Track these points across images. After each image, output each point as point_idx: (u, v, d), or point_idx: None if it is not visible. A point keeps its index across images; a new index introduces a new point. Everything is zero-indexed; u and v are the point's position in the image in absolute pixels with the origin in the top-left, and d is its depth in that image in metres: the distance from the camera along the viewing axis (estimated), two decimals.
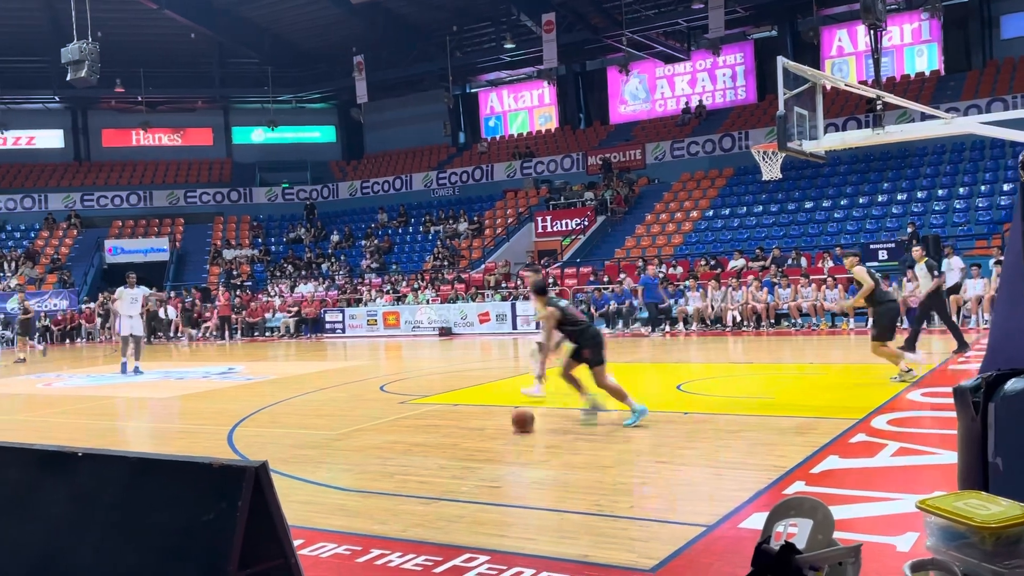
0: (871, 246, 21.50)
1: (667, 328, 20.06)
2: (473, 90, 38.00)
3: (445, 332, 22.78)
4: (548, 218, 28.64)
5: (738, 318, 19.90)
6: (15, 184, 35.45)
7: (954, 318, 17.64)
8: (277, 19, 33.71)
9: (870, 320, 11.72)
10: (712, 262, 22.83)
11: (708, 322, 20.23)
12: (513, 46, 32.17)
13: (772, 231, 25.22)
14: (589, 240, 27.69)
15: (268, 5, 32.45)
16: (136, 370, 15.43)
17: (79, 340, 26.81)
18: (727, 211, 26.99)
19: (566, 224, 28.29)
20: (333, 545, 5.18)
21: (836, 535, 4.74)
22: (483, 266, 27.58)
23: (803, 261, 21.53)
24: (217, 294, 27.01)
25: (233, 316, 26.05)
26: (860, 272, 10.62)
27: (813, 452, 6.87)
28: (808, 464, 6.51)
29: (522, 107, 37.58)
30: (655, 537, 5.04)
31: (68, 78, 24.54)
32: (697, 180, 29.07)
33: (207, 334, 25.93)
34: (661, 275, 21.31)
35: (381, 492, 6.44)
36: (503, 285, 25.06)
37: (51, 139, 37.28)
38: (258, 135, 38.18)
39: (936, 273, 13.13)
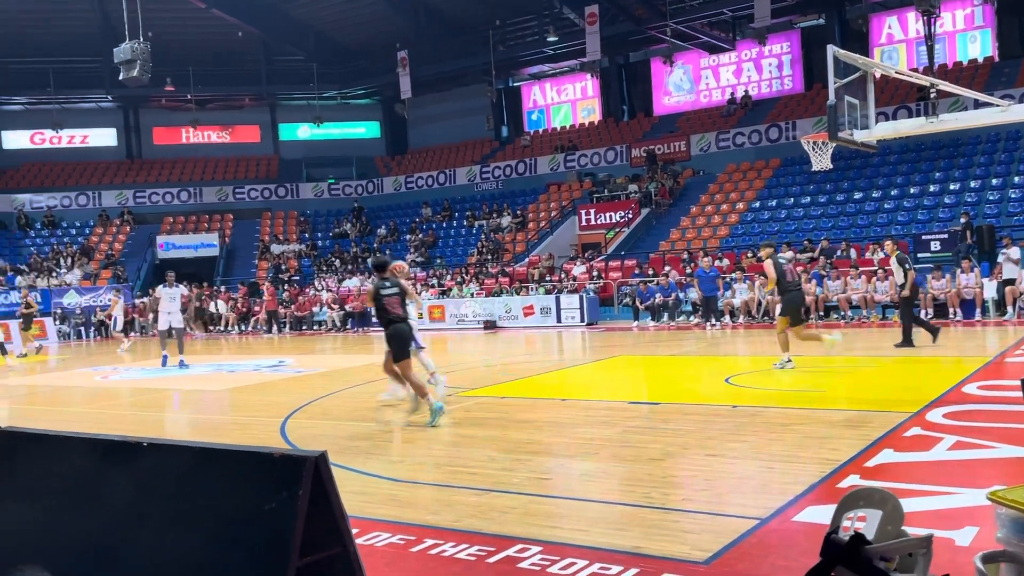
0: (923, 237, 21.06)
1: (715, 321, 19.91)
2: (516, 84, 37.99)
3: (490, 325, 22.85)
4: (592, 211, 28.54)
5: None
6: (70, 182, 36.33)
7: (1011, 310, 17.28)
8: (321, 16, 34.04)
9: (778, 307, 12.42)
10: (759, 254, 22.56)
11: (756, 315, 20.01)
12: (556, 39, 32.08)
13: (821, 222, 24.84)
14: (633, 233, 27.54)
15: (312, 2, 32.79)
16: (181, 363, 15.85)
17: (133, 334, 27.31)
18: (774, 202, 26.65)
19: (610, 217, 28.17)
20: (387, 535, 5.24)
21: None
22: (527, 259, 27.59)
23: (852, 252, 21.17)
24: (264, 289, 27.41)
25: (281, 310, 26.44)
26: (768, 265, 11.58)
27: (867, 446, 6.77)
28: (862, 458, 6.42)
29: (565, 100, 37.47)
30: (707, 529, 5.02)
31: (120, 77, 25.07)
32: (743, 171, 28.73)
33: (256, 327, 26.37)
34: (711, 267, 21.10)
35: (432, 483, 6.50)
36: (547, 278, 25.05)
37: (104, 137, 38.10)
38: (304, 131, 38.61)
39: (907, 267, 13.53)
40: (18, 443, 4.81)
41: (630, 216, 27.88)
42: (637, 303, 21.64)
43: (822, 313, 19.43)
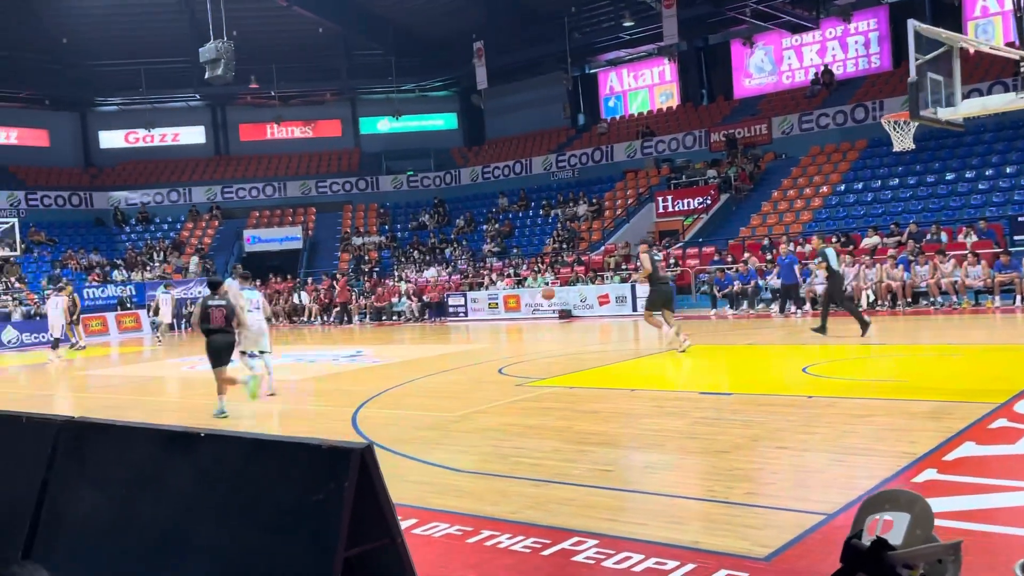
0: (1019, 219, 20.02)
1: (795, 309, 19.37)
2: (592, 71, 37.63)
3: (565, 315, 22.77)
4: (669, 198, 28.09)
5: (871, 297, 18.97)
6: (162, 179, 37.70)
7: None
8: (400, 9, 34.38)
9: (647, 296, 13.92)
10: (843, 239, 21.84)
11: (839, 302, 19.34)
12: (632, 24, 31.62)
13: (909, 205, 23.87)
14: (712, 219, 26.99)
15: None
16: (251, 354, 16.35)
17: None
18: (860, 185, 25.72)
19: (688, 203, 27.68)
20: (445, 525, 5.26)
21: (969, 526, 4.45)
22: (603, 248, 27.37)
23: (943, 236, 20.28)
24: (334, 281, 27.95)
25: (355, 302, 26.91)
26: (644, 258, 13.32)
27: (948, 438, 6.47)
28: (941, 451, 6.13)
29: (642, 86, 36.94)
30: (770, 524, 4.88)
31: (206, 77, 25.84)
32: (827, 153, 27.82)
33: (333, 319, 26.93)
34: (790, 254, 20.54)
35: (494, 474, 6.50)
36: (623, 267, 24.80)
37: (194, 135, 39.38)
38: (384, 125, 39.13)
39: (820, 259, 14.46)
40: (87, 433, 4.99)
41: (709, 202, 27.34)
42: (715, 291, 21.23)
43: (910, 300, 18.68)
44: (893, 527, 1.64)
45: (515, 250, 29.96)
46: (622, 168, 32.48)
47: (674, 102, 35.78)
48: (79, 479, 4.86)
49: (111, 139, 38.59)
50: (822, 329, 14.07)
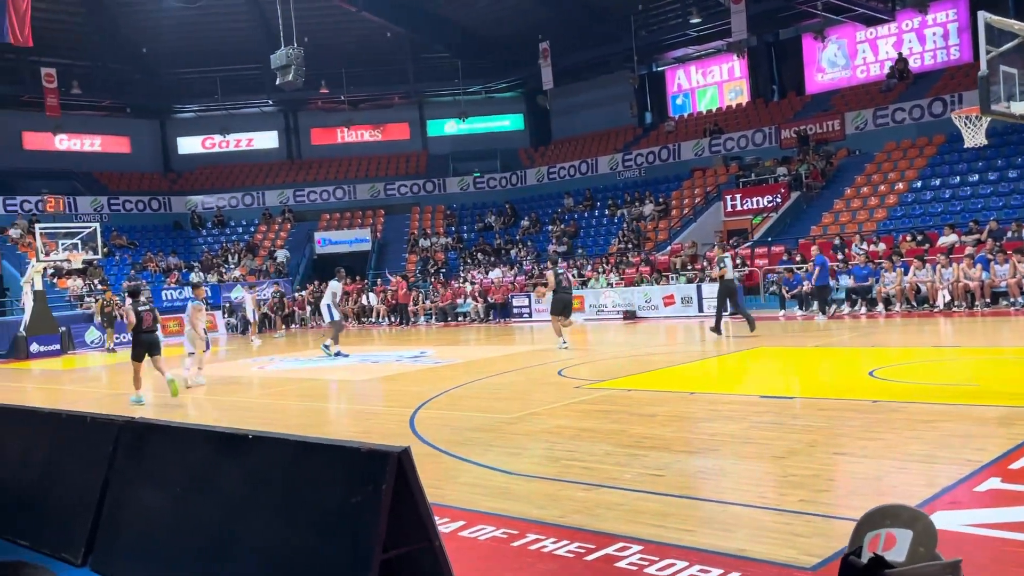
0: None
1: (832, 311, 19.09)
2: (659, 68, 37.28)
3: (629, 316, 22.60)
4: (738, 196, 27.64)
5: (947, 297, 18.34)
6: (237, 183, 38.78)
7: None
8: (466, 12, 34.64)
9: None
10: (919, 237, 21.17)
11: (914, 303, 18.81)
12: (700, 20, 31.24)
13: (989, 202, 22.98)
14: (782, 218, 26.45)
15: None
16: (338, 353, 16.89)
17: (293, 326, 28.91)
18: (937, 182, 24.87)
19: (757, 202, 27.18)
20: (492, 528, 5.30)
21: None
22: (669, 248, 27.09)
23: None
24: (394, 283, 28.31)
25: (421, 303, 27.21)
26: (549, 275, 16.40)
27: (1016, 445, 6.23)
28: (1008, 459, 5.92)
29: (711, 83, 36.44)
30: (820, 533, 4.78)
31: (277, 82, 26.52)
32: (903, 149, 26.97)
33: (396, 320, 27.32)
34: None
35: (544, 477, 6.52)
36: (689, 267, 24.51)
37: (267, 140, 40.41)
38: (451, 127, 39.48)
39: (720, 265, 16.50)
40: (147, 433, 5.19)
41: (779, 200, 26.80)
42: (784, 291, 20.81)
43: (988, 300, 17.99)
44: (895, 544, 1.60)
45: (580, 250, 29.88)
46: (689, 166, 32.10)
47: (744, 99, 35.20)
48: (138, 478, 5.05)
49: (189, 145, 39.86)
50: (716, 330, 16.19)
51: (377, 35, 35.32)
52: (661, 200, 30.85)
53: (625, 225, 30.35)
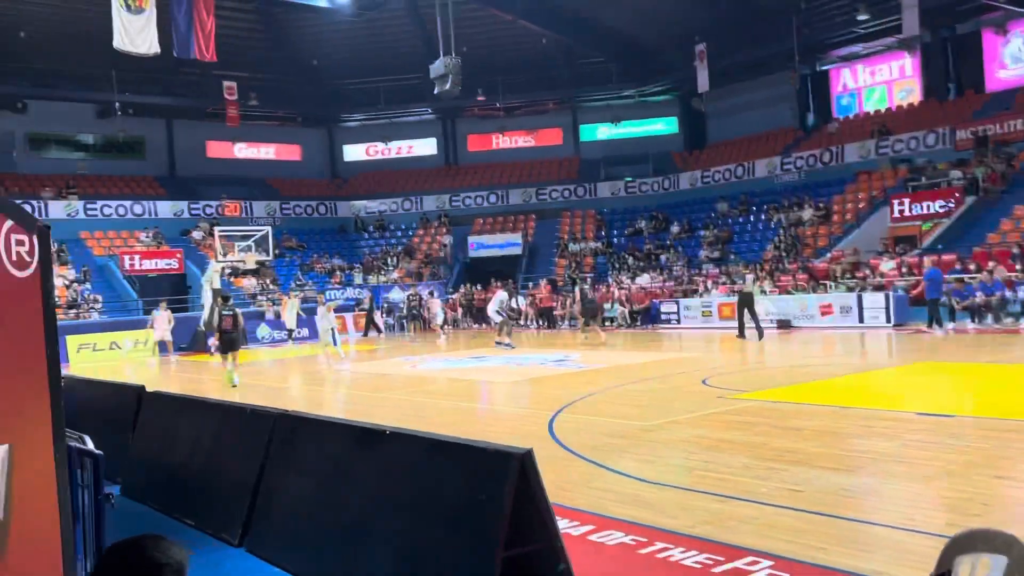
0: None
1: (951, 326, 18.15)
2: (823, 68, 35.72)
3: (784, 325, 21.82)
4: (906, 201, 26.08)
5: None
6: (396, 188, 40.32)
7: None
8: (621, 16, 34.51)
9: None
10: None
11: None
12: (867, 17, 29.71)
13: None
14: (955, 224, 24.74)
15: (614, 3, 33.35)
16: (508, 344, 19.57)
17: (447, 327, 29.72)
18: None
19: (927, 207, 25.55)
20: (620, 534, 5.34)
21: None
22: (828, 255, 25.93)
23: None
24: (539, 288, 28.58)
25: (567, 307, 27.33)
26: (576, 291, 18.72)
27: None
28: None
29: (879, 82, 34.59)
30: None
31: (435, 91, 27.42)
32: None
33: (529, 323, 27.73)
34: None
35: (678, 486, 6.48)
36: (850, 275, 23.39)
37: (426, 147, 41.80)
38: (603, 131, 39.44)
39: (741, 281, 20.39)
40: (298, 425, 5.57)
41: (952, 206, 25.10)
42: (954, 303, 19.50)
43: None
44: (989, 571, 1.54)
45: (733, 257, 29.13)
46: (854, 170, 30.61)
47: (915, 98, 33.21)
48: (288, 466, 5.44)
49: (354, 152, 41.85)
50: (741, 335, 19.14)
51: (532, 42, 35.81)
52: (821, 205, 29.60)
53: (782, 231, 29.34)
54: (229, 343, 14.85)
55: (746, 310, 19.28)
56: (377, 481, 4.63)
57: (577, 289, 20.39)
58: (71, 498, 3.81)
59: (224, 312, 15.02)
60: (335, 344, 18.26)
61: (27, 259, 2.10)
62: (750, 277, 21.11)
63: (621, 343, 20.90)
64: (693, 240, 32.08)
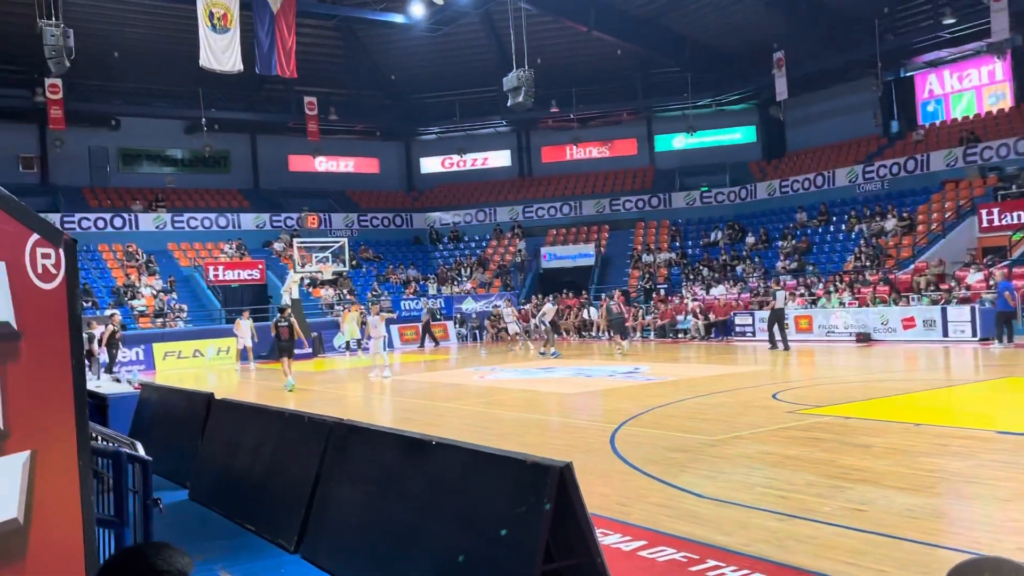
0: None
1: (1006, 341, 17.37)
2: (908, 74, 34.60)
3: (863, 338, 21.14)
4: (995, 210, 25.02)
5: None
6: (471, 200, 40.70)
7: None
8: (696, 25, 34.15)
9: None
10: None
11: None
12: (954, 21, 28.69)
13: None
14: None
15: (688, 13, 33.04)
16: (554, 353, 20.61)
17: (520, 338, 29.76)
18: None
19: (1018, 217, 24.44)
20: (672, 550, 5.25)
21: None
22: (912, 266, 25.05)
23: None
24: (608, 299, 28.25)
25: (641, 319, 27.05)
26: (602, 307, 20.85)
27: None
28: None
29: (967, 87, 33.30)
30: None
31: (508, 104, 27.60)
32: None
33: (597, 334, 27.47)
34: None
35: (737, 503, 6.33)
36: (934, 287, 22.53)
37: (500, 159, 42.08)
38: (679, 141, 38.99)
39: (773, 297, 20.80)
40: (351, 434, 5.64)
41: None
42: None
43: None
44: None
45: (811, 268, 28.40)
46: (939, 178, 29.53)
47: (1006, 104, 31.85)
48: (342, 474, 5.52)
49: (429, 164, 42.41)
50: (773, 347, 20.20)
51: (607, 53, 35.71)
52: (905, 215, 28.64)
53: (863, 241, 28.48)
54: (283, 350, 16.44)
55: (776, 324, 20.42)
56: (424, 491, 4.66)
57: (603, 305, 21.38)
58: (123, 502, 3.95)
59: (281, 324, 16.53)
60: (383, 352, 18.73)
61: (53, 272, 2.20)
62: (782, 294, 21.71)
63: (694, 356, 20.59)
64: (770, 251, 31.43)
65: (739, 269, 30.51)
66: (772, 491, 6.58)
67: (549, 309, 23.11)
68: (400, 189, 42.18)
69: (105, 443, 5.85)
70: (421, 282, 35.00)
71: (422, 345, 28.61)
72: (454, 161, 41.87)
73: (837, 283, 24.43)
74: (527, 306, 31.39)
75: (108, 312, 23.56)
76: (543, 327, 22.64)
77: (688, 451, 8.24)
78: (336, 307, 30.71)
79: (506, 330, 27.51)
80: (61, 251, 2.25)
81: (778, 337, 20.24)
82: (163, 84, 33.77)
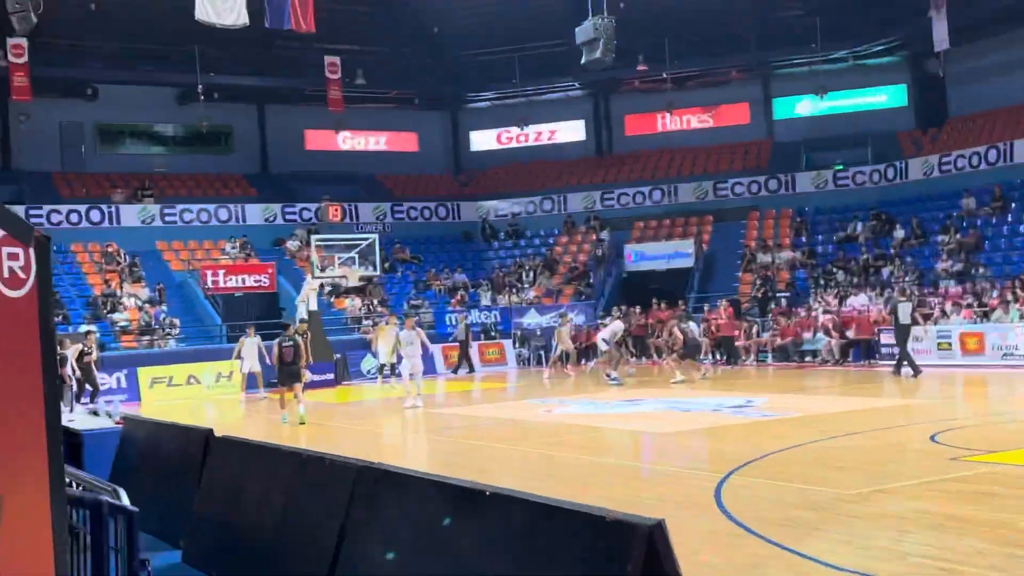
0: None
1: None
2: None
3: None
4: None
5: None
6: (535, 185, 40.73)
7: None
8: None
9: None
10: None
11: None
12: None
13: None
14: None
15: None
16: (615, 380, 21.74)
17: (593, 360, 29.70)
18: None
19: None
20: None
21: None
22: None
23: None
24: (716, 311, 28.07)
25: (754, 337, 26.79)
26: (676, 332, 22.63)
27: None
28: None
29: None
30: None
31: (582, 60, 27.63)
32: None
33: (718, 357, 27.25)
34: None
35: None
36: None
37: (572, 131, 42.12)
38: (804, 107, 38.57)
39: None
40: (382, 479, 5.75)
41: None
42: None
43: None
44: None
45: (982, 270, 27.82)
46: None
47: None
48: (373, 530, 5.62)
49: (482, 140, 42.69)
50: (907, 370, 20.04)
51: None
52: None
53: None
54: (289, 376, 16.66)
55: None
56: (473, 554, 4.72)
57: (677, 331, 22.39)
58: (103, 564, 4.08)
59: (285, 343, 16.82)
60: (419, 379, 19.15)
61: (22, 276, 2.28)
62: (906, 306, 21.26)
63: (825, 385, 20.37)
64: (927, 248, 30.92)
65: (885, 272, 30.06)
66: (929, 561, 6.52)
67: (617, 327, 23.54)
68: (445, 172, 42.58)
69: (81, 490, 6.04)
70: (472, 290, 35.19)
71: (456, 370, 28.71)
72: (513, 135, 42.08)
73: (1017, 290, 23.90)
74: (607, 320, 31.30)
75: (83, 328, 24.21)
76: (610, 347, 22.92)
77: (818, 509, 8.21)
78: (364, 321, 31.09)
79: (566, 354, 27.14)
80: (31, 251, 2.33)
81: (906, 360, 20.30)
82: (150, 43, 34.61)
